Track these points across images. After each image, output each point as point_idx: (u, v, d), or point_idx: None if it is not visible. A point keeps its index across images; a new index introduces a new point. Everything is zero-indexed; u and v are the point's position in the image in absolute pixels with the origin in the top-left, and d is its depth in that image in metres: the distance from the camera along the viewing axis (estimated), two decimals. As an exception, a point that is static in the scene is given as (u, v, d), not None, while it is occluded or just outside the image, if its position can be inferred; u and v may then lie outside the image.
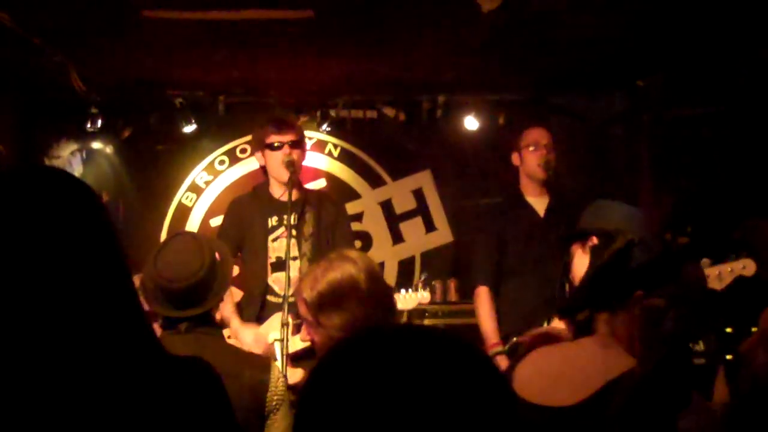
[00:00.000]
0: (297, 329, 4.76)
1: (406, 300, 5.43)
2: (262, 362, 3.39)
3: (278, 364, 4.81)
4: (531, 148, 5.59)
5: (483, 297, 5.53)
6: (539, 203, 5.67)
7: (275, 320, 4.99)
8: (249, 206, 5.36)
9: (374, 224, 7.70)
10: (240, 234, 5.29)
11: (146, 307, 3.36)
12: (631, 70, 6.62)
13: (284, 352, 4.45)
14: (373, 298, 3.03)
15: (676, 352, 2.45)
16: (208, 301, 3.28)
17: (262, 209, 5.25)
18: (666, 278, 2.47)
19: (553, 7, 5.05)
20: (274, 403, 3.26)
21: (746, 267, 4.67)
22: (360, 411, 1.19)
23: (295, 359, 4.70)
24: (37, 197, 1.59)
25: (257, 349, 4.90)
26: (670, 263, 2.63)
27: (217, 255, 3.34)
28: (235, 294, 5.32)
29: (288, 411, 3.34)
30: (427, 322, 6.64)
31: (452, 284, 7.20)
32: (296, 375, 4.65)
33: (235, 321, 5.03)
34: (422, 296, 5.47)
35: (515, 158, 5.71)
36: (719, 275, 4.70)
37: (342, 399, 1.22)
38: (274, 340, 4.91)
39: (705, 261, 4.86)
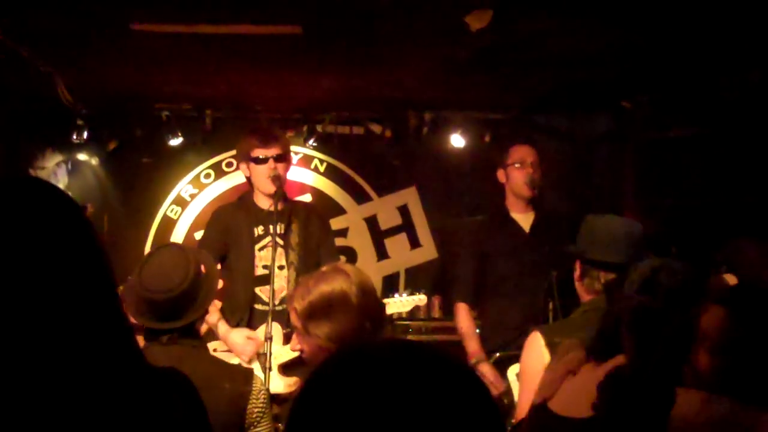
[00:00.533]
0: (287, 339, 4.76)
1: (403, 303, 5.44)
2: (243, 374, 3.37)
3: (273, 374, 4.81)
4: (517, 165, 5.61)
5: (462, 313, 5.56)
6: (524, 220, 5.69)
7: (264, 332, 4.99)
8: (234, 215, 5.35)
9: (359, 240, 7.70)
10: (224, 243, 5.28)
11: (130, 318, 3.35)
12: (617, 91, 6.66)
13: (267, 366, 4.44)
14: (363, 311, 3.08)
15: (669, 352, 2.47)
16: (190, 314, 3.26)
17: (248, 218, 5.24)
18: (697, 293, 2.47)
19: (540, 28, 5.08)
20: (254, 415, 3.24)
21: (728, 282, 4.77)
22: (349, 425, 1.20)
23: (286, 368, 4.69)
24: (23, 209, 1.58)
25: (249, 349, 4.89)
26: (698, 277, 2.63)
27: (202, 268, 3.33)
28: (216, 305, 5.29)
29: (270, 424, 3.34)
30: (410, 338, 6.64)
31: (436, 301, 7.21)
32: (290, 384, 4.64)
33: (222, 326, 5.02)
34: (419, 299, 5.48)
35: (501, 175, 5.73)
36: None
37: (331, 414, 1.23)
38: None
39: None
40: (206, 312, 3.45)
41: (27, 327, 1.50)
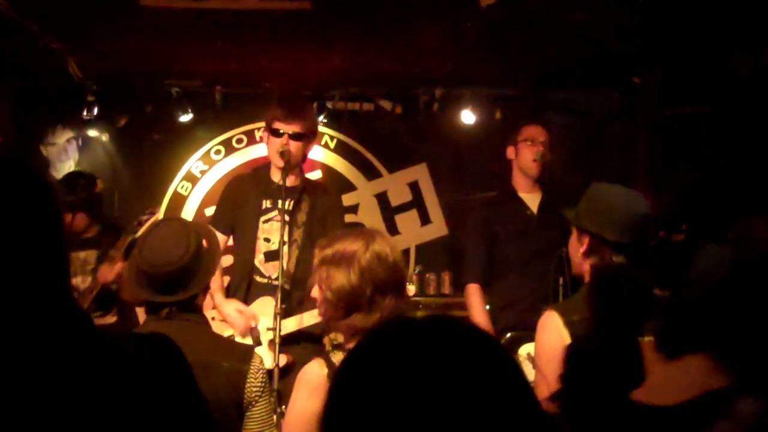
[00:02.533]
0: (286, 314, 4.77)
1: None
2: (242, 352, 3.37)
3: (262, 349, 4.83)
4: (528, 143, 5.60)
5: (473, 294, 5.56)
6: (532, 200, 5.68)
7: (260, 304, 5.01)
8: (245, 186, 5.36)
9: (369, 216, 7.70)
10: (233, 213, 5.30)
11: (128, 292, 3.38)
12: (628, 66, 6.63)
13: (277, 341, 4.45)
14: (367, 275, 3.09)
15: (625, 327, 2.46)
16: (190, 288, 3.27)
17: (258, 190, 5.24)
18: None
19: (550, 3, 5.05)
20: (253, 393, 3.24)
21: None
22: (387, 401, 1.21)
23: (281, 344, 4.71)
24: None
25: (240, 322, 4.91)
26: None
27: (204, 242, 3.33)
28: (222, 280, 5.30)
29: (269, 401, 3.34)
30: (420, 314, 6.64)
31: (446, 277, 7.22)
32: (282, 360, 4.67)
33: (218, 295, 5.04)
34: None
35: (510, 152, 5.72)
36: None
37: (369, 389, 1.24)
38: (262, 327, 4.94)
39: None
40: (207, 287, 3.45)
41: None
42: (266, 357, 4.67)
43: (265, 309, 4.94)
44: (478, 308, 5.50)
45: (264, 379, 3.30)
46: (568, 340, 3.14)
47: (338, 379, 1.33)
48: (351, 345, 3.11)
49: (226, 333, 4.91)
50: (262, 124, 5.43)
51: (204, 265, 3.32)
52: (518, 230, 5.57)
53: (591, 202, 3.50)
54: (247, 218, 5.23)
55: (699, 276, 2.33)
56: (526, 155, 5.60)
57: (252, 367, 3.27)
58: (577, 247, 3.52)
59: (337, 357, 3.07)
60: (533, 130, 5.66)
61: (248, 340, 4.91)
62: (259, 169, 5.53)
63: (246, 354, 3.34)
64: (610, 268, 3.31)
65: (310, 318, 4.76)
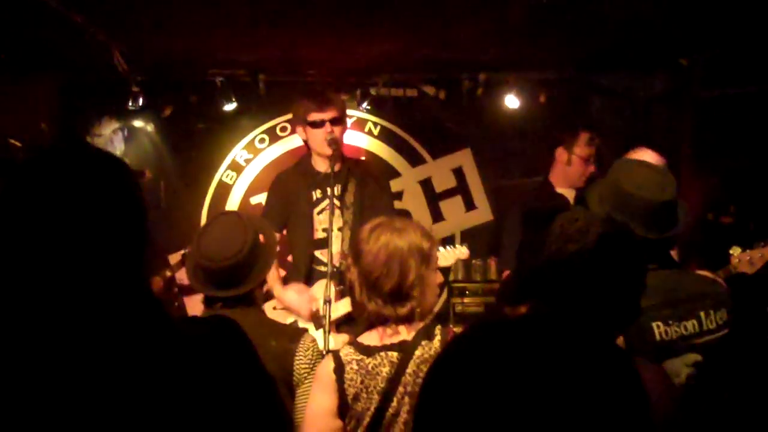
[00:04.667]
0: (341, 295, 4.81)
1: (445, 257, 5.43)
2: (291, 332, 3.39)
3: (317, 333, 4.86)
4: (583, 155, 5.57)
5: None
6: (569, 193, 5.67)
7: (318, 288, 5.05)
8: (293, 181, 5.40)
9: (414, 203, 7.70)
10: (285, 208, 5.34)
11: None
12: (674, 48, 6.55)
13: (326, 328, 4.46)
14: (365, 270, 3.08)
15: None
16: (247, 283, 3.29)
17: (306, 183, 5.28)
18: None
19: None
20: (302, 372, 3.27)
21: None
22: (479, 399, 1.20)
23: (338, 325, 4.74)
24: (75, 175, 1.71)
25: (304, 304, 4.94)
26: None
27: (261, 237, 3.35)
28: (279, 273, 5.33)
29: None
30: (467, 300, 6.64)
31: (492, 262, 7.18)
32: (339, 341, 4.70)
33: (276, 287, 5.08)
34: (460, 252, 5.46)
35: (561, 153, 5.67)
36: (750, 260, 4.81)
37: (462, 387, 1.24)
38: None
39: (736, 248, 4.94)
40: (264, 281, 3.47)
41: (66, 278, 1.65)
42: (330, 339, 4.73)
43: (323, 291, 4.99)
44: None
45: (314, 358, 3.32)
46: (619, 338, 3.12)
47: (428, 378, 1.32)
48: (363, 336, 3.12)
49: (289, 321, 4.97)
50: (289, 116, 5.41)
51: (261, 259, 3.34)
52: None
53: (614, 189, 3.39)
54: (301, 212, 5.27)
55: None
56: (578, 169, 5.58)
57: (301, 347, 3.29)
58: None
59: (344, 351, 3.08)
60: (589, 141, 5.61)
61: (311, 326, 4.95)
62: (300, 162, 5.55)
63: (295, 334, 3.36)
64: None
65: None
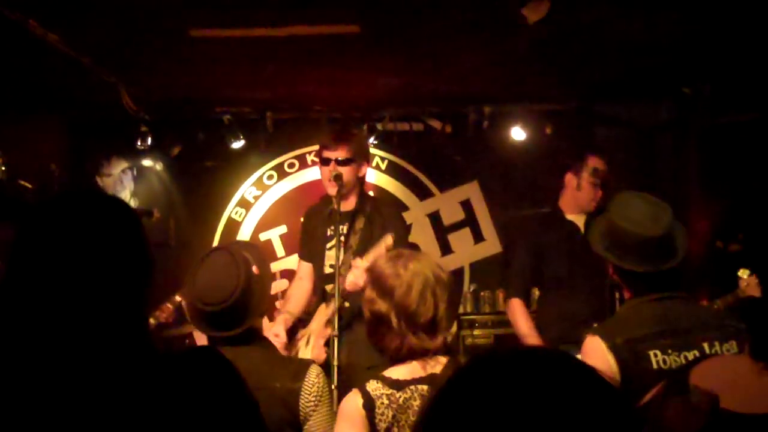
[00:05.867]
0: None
1: None
2: (295, 371, 3.36)
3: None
4: (592, 180, 5.58)
5: (518, 309, 5.52)
6: (579, 219, 5.67)
7: (319, 313, 5.10)
8: (314, 216, 5.44)
9: (423, 236, 7.71)
10: (309, 243, 5.41)
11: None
12: (678, 77, 6.58)
13: (336, 363, 4.46)
14: (400, 305, 3.07)
15: None
16: (246, 321, 3.27)
17: (323, 219, 5.31)
18: None
19: (598, 16, 5.04)
20: (308, 408, 3.25)
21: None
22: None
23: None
24: (84, 220, 1.81)
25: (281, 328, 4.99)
26: None
27: (254, 268, 3.33)
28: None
29: (327, 409, 3.34)
30: (476, 332, 6.64)
31: (501, 294, 7.18)
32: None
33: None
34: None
35: (570, 179, 5.67)
36: (758, 283, 4.86)
37: (464, 421, 1.24)
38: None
39: (744, 270, 4.97)
40: (263, 313, 3.46)
41: (61, 312, 1.73)
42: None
43: (320, 318, 5.04)
44: (524, 321, 5.48)
45: (320, 392, 3.30)
46: (614, 364, 3.11)
47: (427, 413, 1.32)
48: (389, 370, 3.10)
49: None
50: (314, 147, 5.51)
51: (257, 293, 3.32)
52: (566, 248, 5.55)
53: (610, 224, 3.45)
54: (317, 248, 5.31)
55: None
56: (588, 193, 5.58)
57: (305, 384, 3.27)
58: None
59: (371, 386, 3.05)
60: (598, 164, 5.63)
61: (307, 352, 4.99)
62: (324, 197, 5.58)
63: (299, 372, 3.33)
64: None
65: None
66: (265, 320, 4.82)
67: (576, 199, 5.64)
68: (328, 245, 5.28)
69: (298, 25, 5.17)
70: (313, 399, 3.26)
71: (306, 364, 3.46)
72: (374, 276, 3.15)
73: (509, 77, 6.51)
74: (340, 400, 4.42)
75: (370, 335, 3.17)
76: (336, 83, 6.64)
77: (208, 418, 1.74)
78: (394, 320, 3.05)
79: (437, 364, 3.05)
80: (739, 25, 5.23)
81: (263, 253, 3.65)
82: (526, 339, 5.40)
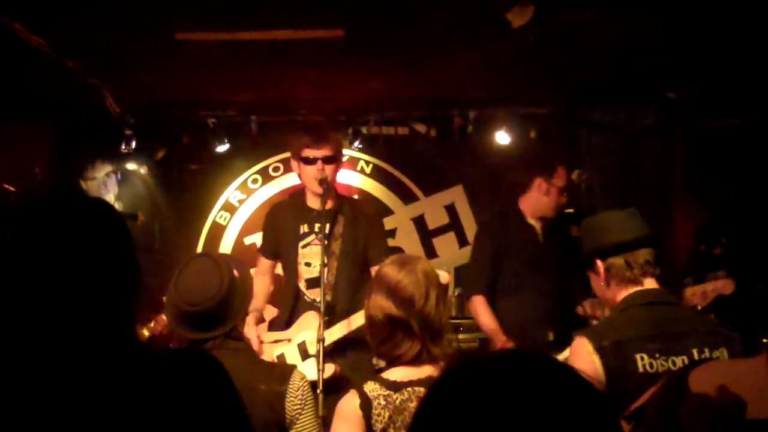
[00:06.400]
0: (327, 326, 4.83)
1: None
2: (280, 374, 3.38)
3: (304, 364, 4.89)
4: (559, 190, 5.69)
5: (481, 306, 5.62)
6: (537, 223, 5.76)
7: (306, 319, 5.09)
8: (283, 213, 5.44)
9: (407, 240, 7.71)
10: (276, 239, 5.39)
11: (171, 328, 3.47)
12: (663, 82, 6.59)
13: (320, 367, 4.46)
14: (403, 307, 3.09)
15: None
16: (229, 321, 3.31)
17: (295, 216, 5.31)
18: None
19: (583, 20, 5.05)
20: (293, 412, 3.27)
21: (725, 286, 5.02)
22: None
23: (327, 354, 4.77)
24: (68, 223, 1.80)
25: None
26: None
27: (235, 272, 3.36)
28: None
29: (313, 415, 3.35)
30: (461, 336, 6.64)
31: (486, 299, 7.20)
32: (329, 370, 4.73)
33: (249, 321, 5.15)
34: (442, 276, 5.47)
35: (540, 183, 5.72)
36: (703, 293, 4.96)
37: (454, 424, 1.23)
38: (310, 339, 4.99)
39: (688, 280, 5.08)
40: (245, 316, 3.48)
41: (53, 315, 1.73)
42: (313, 368, 4.74)
43: (309, 323, 5.01)
44: (488, 316, 5.54)
45: (304, 396, 3.32)
46: (599, 365, 3.12)
47: (417, 414, 1.32)
48: (387, 372, 3.13)
49: (276, 352, 5.00)
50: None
51: (239, 296, 3.36)
52: (525, 251, 5.71)
53: (584, 237, 3.54)
54: (288, 244, 5.31)
55: None
56: (552, 200, 5.69)
57: (290, 387, 3.29)
58: (598, 282, 3.50)
59: (369, 387, 3.09)
60: (565, 177, 5.74)
61: (296, 355, 4.97)
62: (294, 195, 5.59)
63: (284, 375, 3.35)
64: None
65: (356, 320, 4.82)
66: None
67: (540, 203, 5.72)
68: (302, 243, 5.28)
69: (283, 29, 5.17)
70: (299, 402, 3.28)
71: (290, 367, 3.49)
72: (389, 283, 3.17)
73: (494, 81, 6.51)
74: (330, 404, 4.49)
75: (380, 342, 3.19)
76: (321, 87, 6.63)
77: (199, 419, 1.74)
78: (415, 327, 3.09)
79: (436, 367, 3.09)
80: (725, 30, 5.25)
81: (243, 262, 3.67)
82: (492, 335, 5.47)
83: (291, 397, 3.27)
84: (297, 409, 3.28)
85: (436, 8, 4.84)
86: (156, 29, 5.12)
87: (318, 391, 4.31)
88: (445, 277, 5.27)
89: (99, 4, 4.72)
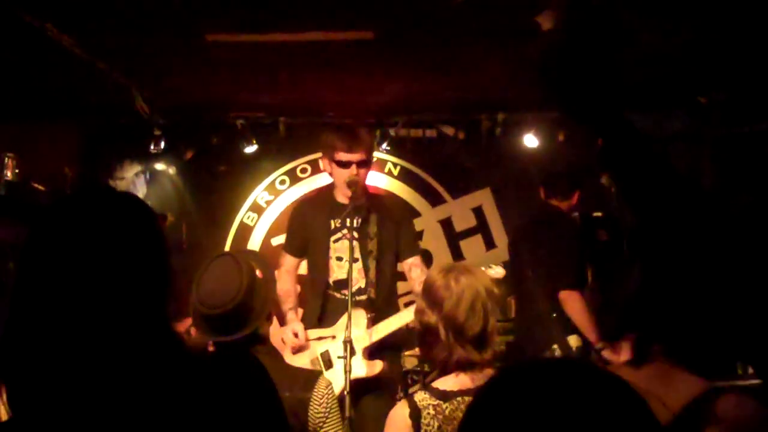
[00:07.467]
0: (371, 323, 4.82)
1: None
2: (304, 380, 3.34)
3: (331, 370, 4.87)
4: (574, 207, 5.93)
5: (581, 300, 5.59)
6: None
7: (353, 317, 5.01)
8: (312, 208, 5.40)
9: (434, 242, 7.71)
10: (304, 236, 5.35)
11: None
12: (692, 87, 6.56)
13: (347, 368, 4.45)
14: (449, 317, 3.08)
15: None
16: (251, 323, 3.25)
17: (325, 211, 5.27)
18: None
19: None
20: (317, 420, 3.24)
21: None
22: None
23: (370, 353, 4.76)
24: (99, 218, 1.77)
25: (289, 344, 4.96)
26: None
27: (258, 272, 3.32)
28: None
29: (338, 421, 3.33)
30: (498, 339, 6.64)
31: (512, 301, 7.17)
32: (373, 367, 4.76)
33: (290, 315, 5.19)
34: (496, 272, 5.45)
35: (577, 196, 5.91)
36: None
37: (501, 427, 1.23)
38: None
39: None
40: (268, 317, 3.45)
41: (87, 313, 1.69)
42: (362, 366, 4.78)
43: (356, 321, 4.95)
44: (588, 314, 5.55)
45: (329, 403, 3.29)
46: None
47: (468, 418, 1.32)
48: (438, 381, 3.11)
49: (320, 349, 4.99)
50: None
51: (260, 297, 3.30)
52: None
53: None
54: (318, 239, 5.27)
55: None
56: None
57: (315, 394, 3.26)
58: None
59: (419, 396, 3.08)
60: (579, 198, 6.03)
61: (341, 353, 4.98)
62: (322, 191, 5.57)
63: (308, 382, 3.32)
64: None
65: (399, 319, 4.82)
66: (276, 324, 4.82)
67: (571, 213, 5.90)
68: (333, 237, 5.26)
69: (313, 31, 5.18)
70: (323, 410, 3.25)
71: (315, 374, 3.46)
72: (425, 287, 3.17)
73: (523, 85, 6.48)
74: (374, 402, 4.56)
75: (420, 345, 3.19)
76: (349, 89, 6.64)
77: (240, 420, 1.74)
78: (442, 332, 3.07)
79: (484, 377, 3.06)
80: (753, 35, 5.22)
81: (267, 259, 3.64)
82: (589, 333, 5.46)
83: (315, 404, 3.24)
84: (321, 417, 3.24)
85: (465, 11, 4.83)
86: (186, 31, 5.14)
87: (345, 392, 4.31)
88: (500, 272, 5.31)
89: (130, 6, 4.75)
